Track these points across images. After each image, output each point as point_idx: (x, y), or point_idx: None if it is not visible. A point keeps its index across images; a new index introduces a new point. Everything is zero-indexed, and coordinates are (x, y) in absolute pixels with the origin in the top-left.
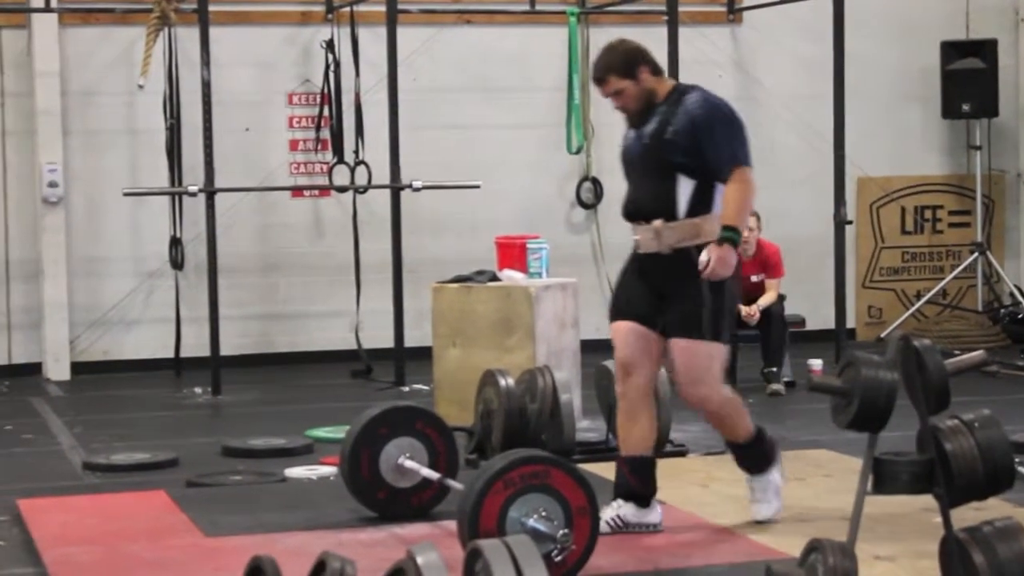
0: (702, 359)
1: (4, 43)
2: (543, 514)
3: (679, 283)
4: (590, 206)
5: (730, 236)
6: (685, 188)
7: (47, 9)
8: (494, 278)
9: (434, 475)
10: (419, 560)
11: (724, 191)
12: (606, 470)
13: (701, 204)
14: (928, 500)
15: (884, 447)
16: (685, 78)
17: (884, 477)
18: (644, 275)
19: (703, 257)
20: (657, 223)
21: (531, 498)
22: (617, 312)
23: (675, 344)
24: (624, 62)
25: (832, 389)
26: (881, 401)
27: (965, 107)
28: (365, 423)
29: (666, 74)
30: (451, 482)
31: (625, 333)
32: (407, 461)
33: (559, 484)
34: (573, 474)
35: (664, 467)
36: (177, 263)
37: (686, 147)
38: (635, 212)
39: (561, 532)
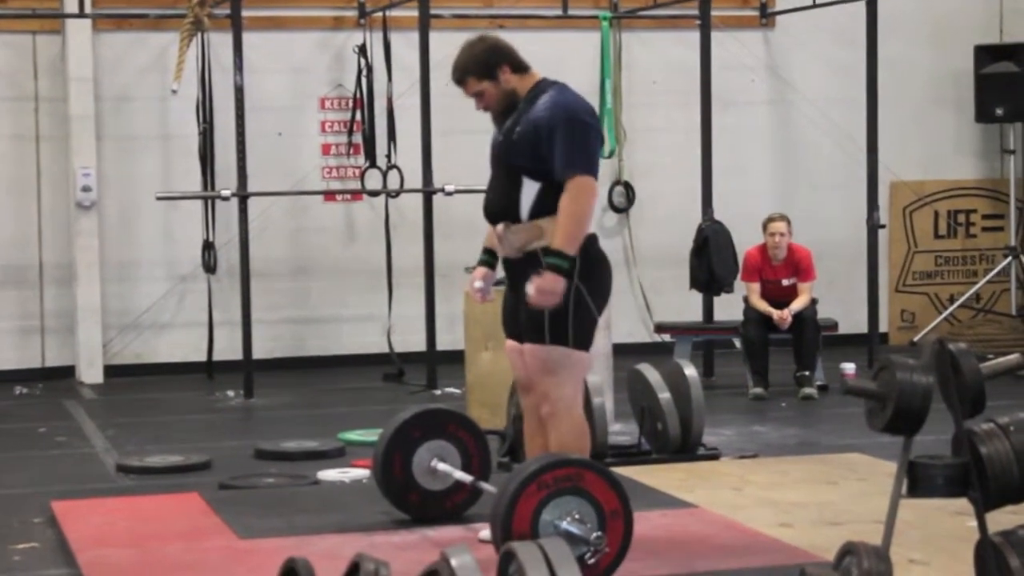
0: (543, 363)
1: (39, 48)
2: (576, 517)
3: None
4: (622, 210)
5: (553, 263)
6: (529, 190)
7: (81, 15)
8: None
9: (467, 478)
10: (453, 562)
11: (566, 198)
12: (638, 473)
13: (544, 206)
14: (963, 504)
15: (919, 451)
16: (718, 83)
17: (919, 480)
18: (511, 283)
19: (528, 287)
20: (500, 227)
21: (564, 501)
22: (504, 328)
23: (524, 348)
24: (481, 63)
25: (867, 392)
26: (916, 404)
27: (999, 111)
28: (398, 426)
29: (532, 69)
30: (484, 485)
31: (511, 353)
32: (440, 464)
33: (592, 487)
34: (606, 477)
35: (698, 470)
36: (210, 267)
37: (528, 150)
38: (486, 214)
39: (595, 535)
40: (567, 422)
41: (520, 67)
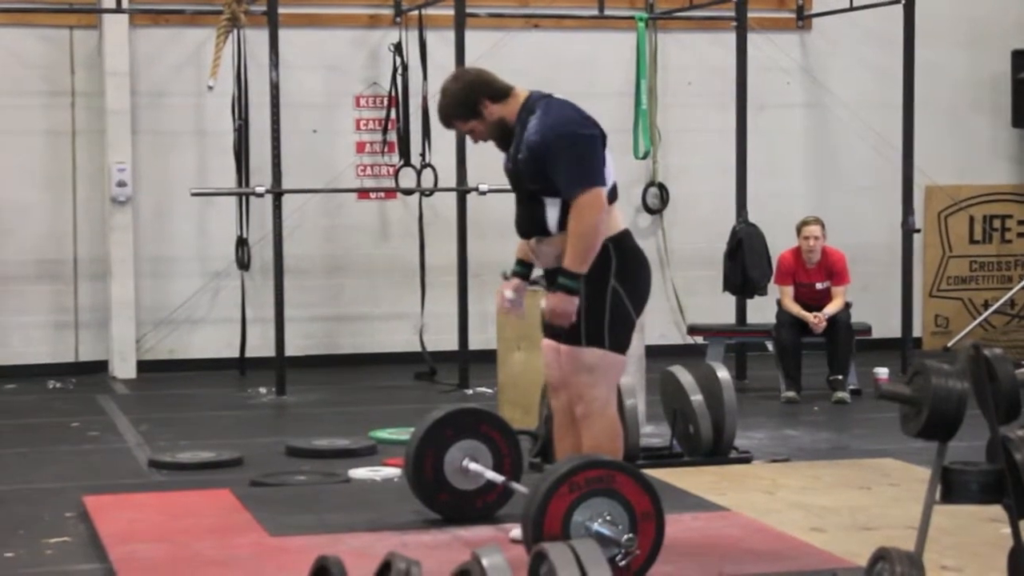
0: (579, 365)
1: (76, 43)
2: (608, 518)
3: None
4: (656, 211)
5: (564, 284)
6: (552, 208)
7: (118, 10)
8: None
9: (498, 478)
10: (484, 562)
11: (573, 216)
12: (670, 476)
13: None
14: (997, 511)
15: (952, 456)
16: (753, 84)
17: (953, 486)
18: (551, 287)
19: (543, 306)
20: (532, 241)
21: (596, 502)
22: (543, 329)
23: (561, 349)
24: (461, 103)
25: (901, 397)
26: (951, 410)
27: None
28: (430, 425)
29: (515, 89)
30: (515, 485)
31: (548, 352)
32: (471, 464)
33: (624, 489)
34: (638, 479)
35: (729, 473)
36: (243, 263)
37: (535, 174)
38: (518, 231)
39: (626, 536)
40: (600, 423)
41: (501, 95)
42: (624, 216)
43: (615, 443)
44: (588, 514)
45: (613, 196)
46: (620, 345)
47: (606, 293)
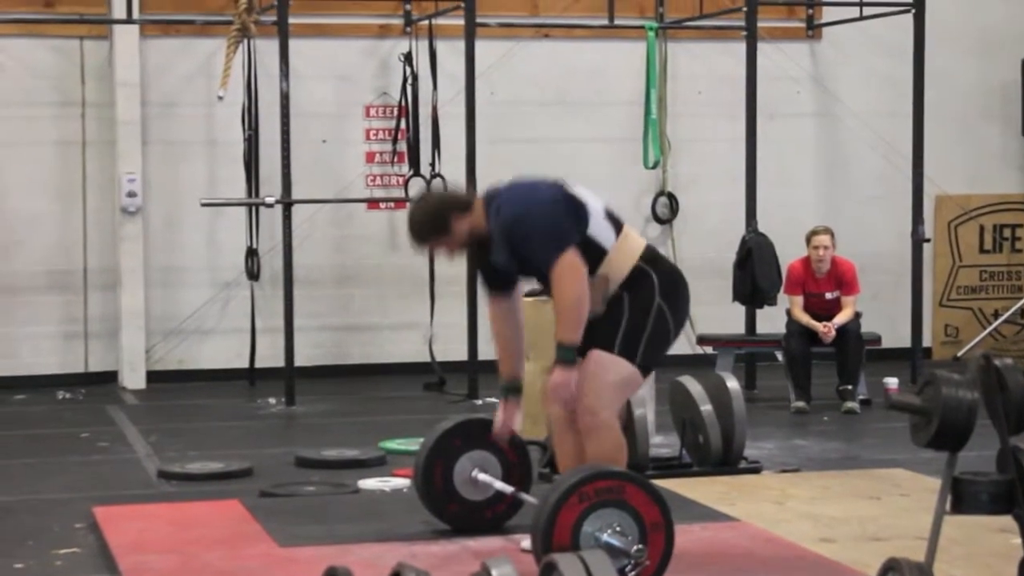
0: (600, 370)
1: (86, 54)
2: (617, 529)
3: (608, 306)
4: (666, 221)
5: (562, 357)
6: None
7: (129, 20)
8: None
9: (507, 488)
10: (494, 573)
11: (554, 289)
12: (679, 486)
13: (592, 265)
14: (1007, 521)
15: (963, 467)
16: (763, 93)
17: (963, 497)
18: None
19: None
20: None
21: (605, 513)
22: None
23: (590, 354)
24: (430, 225)
25: (912, 407)
26: (961, 420)
27: None
28: (439, 436)
29: (475, 196)
30: (524, 496)
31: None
32: (480, 474)
33: (634, 499)
34: (648, 489)
35: (739, 484)
36: (253, 274)
37: (527, 262)
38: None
39: (636, 547)
40: (607, 436)
41: (465, 206)
42: (636, 225)
43: (620, 455)
44: (598, 525)
45: (614, 221)
46: (649, 364)
47: (651, 310)
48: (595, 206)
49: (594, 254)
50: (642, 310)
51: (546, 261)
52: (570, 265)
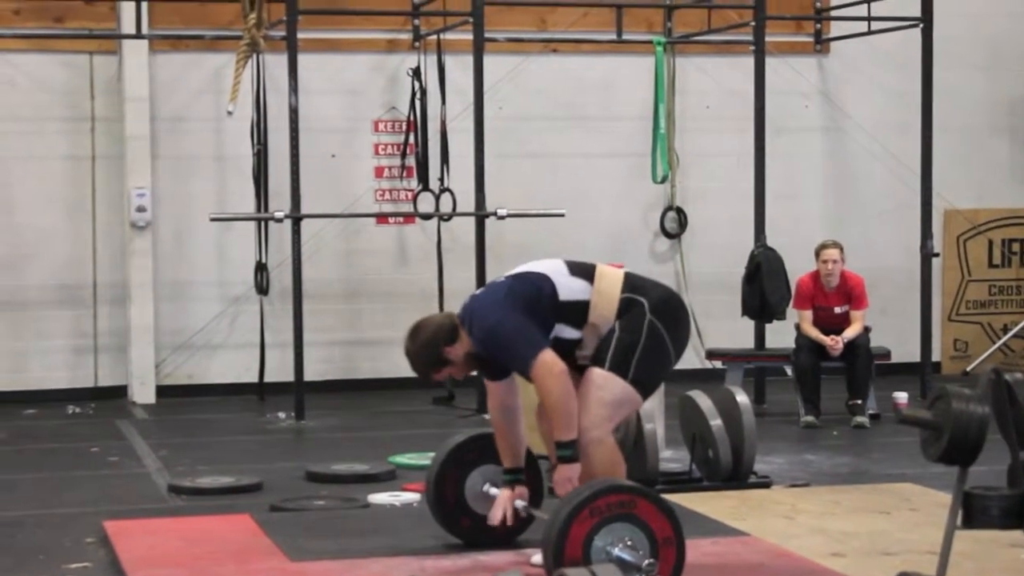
0: (590, 385)
1: (95, 69)
2: (629, 543)
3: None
4: (674, 235)
5: (562, 455)
6: (563, 338)
7: (138, 36)
8: None
9: (519, 503)
10: None
11: (538, 392)
12: (689, 500)
13: (580, 317)
14: (1018, 536)
15: (973, 481)
16: (772, 108)
17: (974, 511)
18: None
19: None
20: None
21: (617, 527)
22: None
23: (590, 370)
24: (428, 359)
25: (922, 422)
26: (972, 435)
27: None
28: (451, 449)
29: (458, 324)
30: (535, 511)
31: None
32: (492, 488)
33: (645, 514)
34: (660, 504)
35: (749, 498)
36: (262, 288)
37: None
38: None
39: (647, 561)
40: (596, 452)
41: (451, 335)
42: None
43: (615, 471)
44: (609, 539)
45: (581, 270)
46: (644, 380)
47: (641, 327)
48: (555, 271)
49: (578, 311)
50: (633, 328)
51: (523, 368)
52: (546, 366)
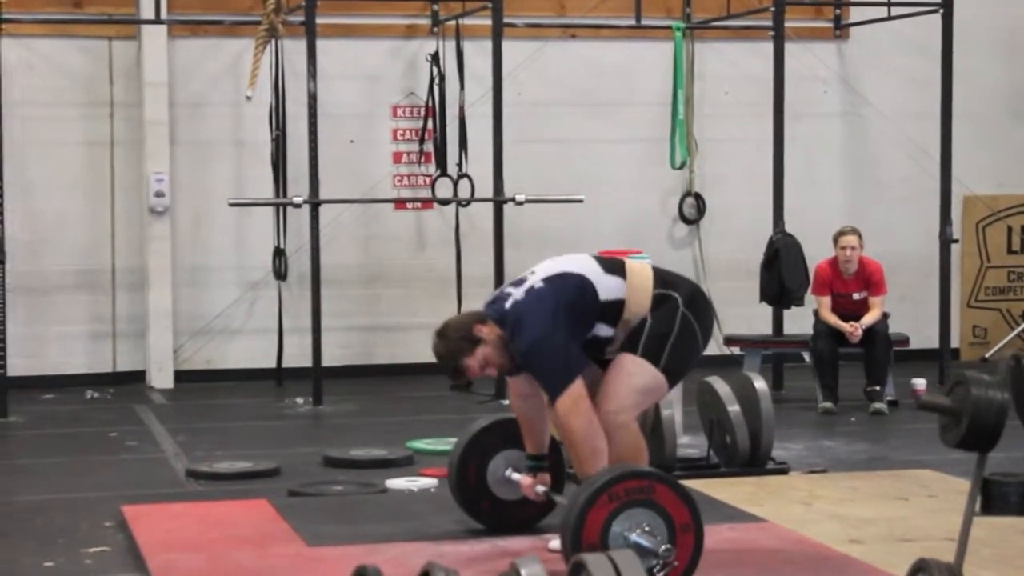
0: (621, 370)
1: (114, 54)
2: (646, 529)
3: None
4: (692, 221)
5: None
6: (599, 336)
7: (157, 21)
8: None
9: (540, 488)
10: (523, 572)
11: (561, 426)
12: (707, 486)
13: (616, 315)
14: None
15: (992, 468)
16: (791, 93)
17: (993, 498)
18: None
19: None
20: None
21: (635, 513)
22: None
23: (621, 356)
24: (460, 340)
25: (941, 408)
26: (991, 421)
27: None
28: (475, 432)
29: (478, 324)
30: (556, 496)
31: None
32: (514, 474)
33: (663, 500)
34: (678, 490)
35: (767, 484)
36: (280, 274)
37: (536, 373)
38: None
39: (664, 547)
40: (623, 438)
41: (484, 318)
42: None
43: (639, 457)
44: (627, 525)
45: (613, 266)
46: (674, 369)
47: (675, 317)
48: (590, 270)
49: (615, 309)
50: (667, 318)
51: (552, 394)
52: (572, 402)
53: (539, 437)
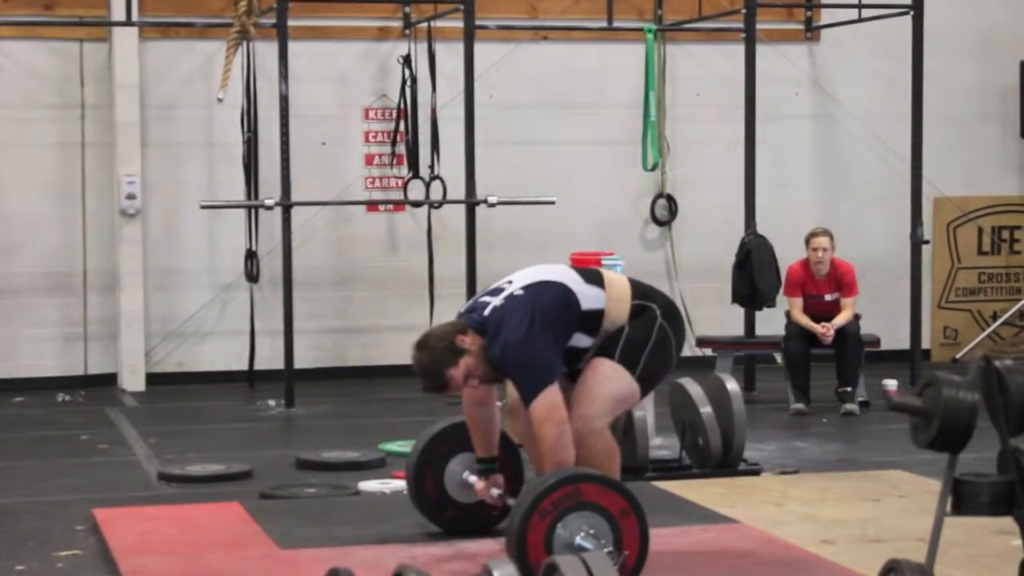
0: (598, 375)
1: (86, 56)
2: (590, 532)
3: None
4: (664, 223)
5: None
6: (577, 347)
7: (128, 23)
8: None
9: (494, 492)
10: (496, 574)
11: (534, 430)
12: (679, 488)
13: (595, 324)
14: (1007, 522)
15: (963, 468)
16: (762, 95)
17: (964, 498)
18: None
19: None
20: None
21: (570, 520)
22: None
23: (593, 361)
24: (443, 351)
25: (912, 409)
26: (962, 421)
27: None
28: (424, 445)
29: (460, 334)
30: (511, 500)
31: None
32: (471, 476)
33: (593, 496)
34: (604, 481)
35: (739, 485)
36: (252, 276)
37: (514, 375)
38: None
39: (607, 550)
40: (596, 442)
41: (455, 356)
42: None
43: (611, 462)
44: (567, 533)
45: (592, 276)
46: (649, 378)
47: (653, 326)
48: (570, 279)
49: (594, 319)
50: (646, 327)
51: (528, 397)
52: (548, 409)
53: (490, 440)
